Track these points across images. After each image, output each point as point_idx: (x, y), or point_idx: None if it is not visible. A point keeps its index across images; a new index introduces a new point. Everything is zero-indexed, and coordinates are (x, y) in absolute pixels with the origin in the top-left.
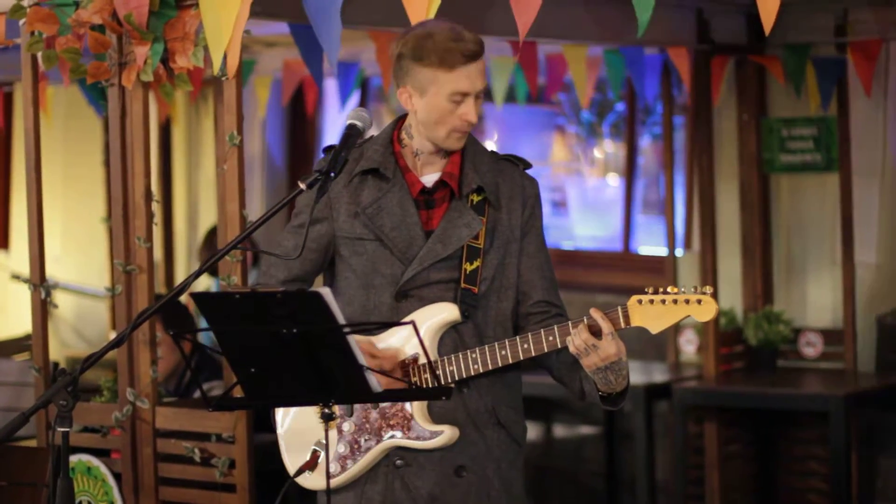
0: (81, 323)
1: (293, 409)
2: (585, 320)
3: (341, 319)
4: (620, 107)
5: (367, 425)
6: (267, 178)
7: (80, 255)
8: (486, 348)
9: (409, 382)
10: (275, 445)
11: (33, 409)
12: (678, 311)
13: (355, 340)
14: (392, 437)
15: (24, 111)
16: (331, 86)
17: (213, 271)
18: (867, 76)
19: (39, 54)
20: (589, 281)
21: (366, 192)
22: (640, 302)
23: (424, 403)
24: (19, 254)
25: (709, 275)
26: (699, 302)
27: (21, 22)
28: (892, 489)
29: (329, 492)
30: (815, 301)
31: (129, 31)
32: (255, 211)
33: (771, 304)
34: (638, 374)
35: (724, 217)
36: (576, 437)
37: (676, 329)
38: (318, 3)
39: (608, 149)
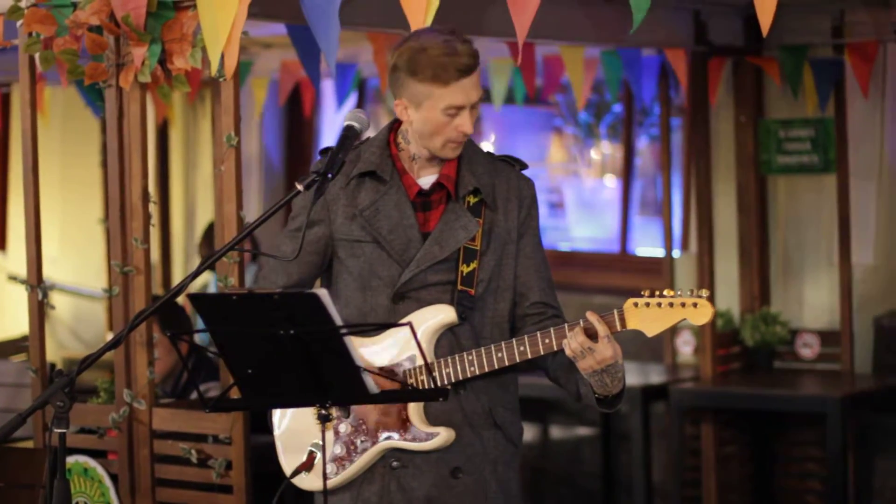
0: (78, 324)
1: (290, 411)
2: (581, 323)
3: (338, 321)
4: (618, 108)
5: (364, 426)
6: (264, 180)
7: (77, 256)
8: (483, 350)
9: (405, 384)
10: (272, 447)
11: (30, 410)
12: (674, 315)
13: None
14: (388, 438)
15: (21, 112)
16: (328, 87)
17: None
18: (864, 78)
19: (37, 55)
20: (586, 282)
21: (363, 194)
22: (636, 305)
23: (421, 405)
24: (16, 255)
25: (706, 276)
26: (695, 305)
27: (18, 23)
28: (889, 490)
29: (326, 492)
30: (812, 302)
31: (126, 32)
32: (252, 212)
33: (768, 306)
34: (634, 376)
35: (722, 218)
36: (572, 439)
37: (673, 330)
38: (315, 4)
39: (605, 150)
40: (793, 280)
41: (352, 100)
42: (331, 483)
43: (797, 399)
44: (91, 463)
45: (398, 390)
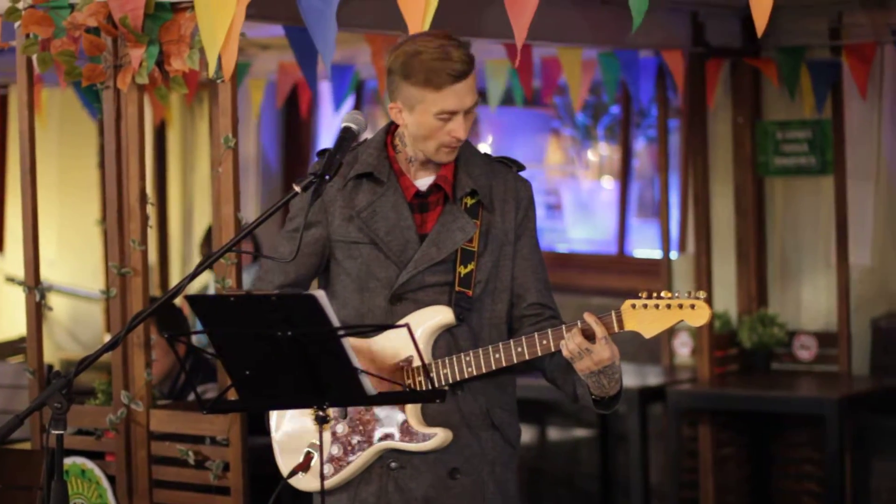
0: (76, 325)
1: (287, 412)
2: (579, 324)
3: (336, 322)
4: (615, 109)
5: (361, 427)
6: (262, 181)
7: (74, 257)
8: (480, 351)
9: (403, 385)
10: (269, 448)
11: (28, 411)
12: (672, 316)
13: (350, 343)
14: (386, 439)
15: (18, 114)
16: (326, 88)
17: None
18: (862, 79)
19: (34, 57)
20: (583, 284)
21: (360, 195)
22: (633, 306)
23: (418, 406)
24: (14, 256)
25: (703, 277)
26: (693, 307)
27: (16, 24)
28: (885, 492)
29: (323, 492)
30: (809, 304)
31: (124, 33)
32: (249, 213)
33: (765, 307)
34: (632, 377)
35: (719, 220)
36: (570, 440)
37: (671, 332)
38: (313, 6)
39: (603, 151)
40: (790, 282)
41: (349, 101)
42: (328, 483)
43: (794, 400)
44: (88, 464)
45: (395, 392)
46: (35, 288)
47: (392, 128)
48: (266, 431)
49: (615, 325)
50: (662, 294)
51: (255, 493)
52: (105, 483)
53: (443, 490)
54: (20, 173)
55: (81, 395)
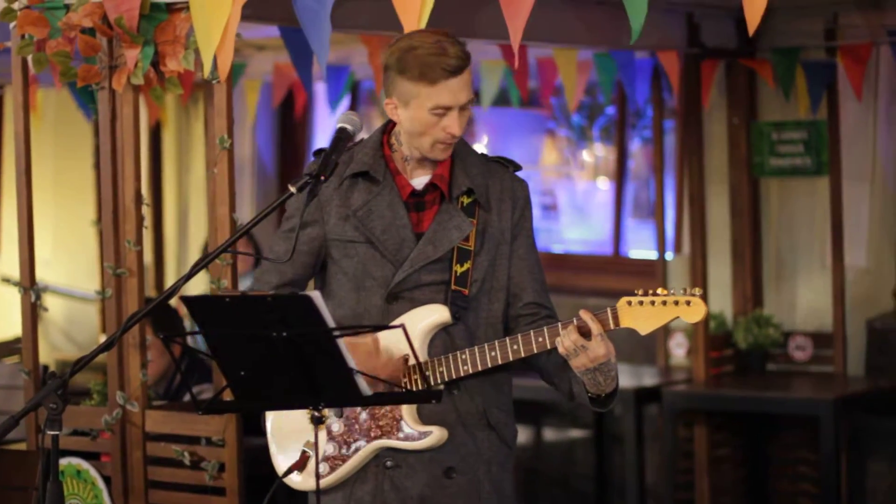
0: (71, 326)
1: (283, 412)
2: (575, 321)
3: (331, 323)
4: (611, 110)
5: (357, 426)
6: (257, 182)
7: (70, 258)
8: (476, 349)
9: (398, 385)
10: (265, 449)
11: (23, 412)
12: (667, 313)
13: (351, 342)
14: (381, 437)
15: (14, 114)
16: (321, 89)
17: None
18: (857, 80)
19: (30, 57)
20: (579, 284)
21: (356, 194)
22: (629, 303)
23: (414, 405)
24: (9, 257)
25: (699, 278)
26: (688, 303)
27: (11, 25)
28: (881, 492)
29: (318, 492)
30: (804, 304)
31: (119, 34)
32: (245, 214)
33: (761, 308)
34: (627, 378)
35: (714, 221)
36: (566, 441)
37: (666, 333)
38: (308, 6)
39: (598, 152)
40: (786, 282)
41: (345, 102)
42: (324, 483)
43: (790, 401)
44: (84, 465)
45: (391, 392)
46: (30, 288)
47: (389, 127)
48: (261, 432)
49: (611, 321)
50: (658, 291)
51: (251, 493)
52: (101, 484)
53: (438, 489)
54: (15, 174)
55: (77, 396)
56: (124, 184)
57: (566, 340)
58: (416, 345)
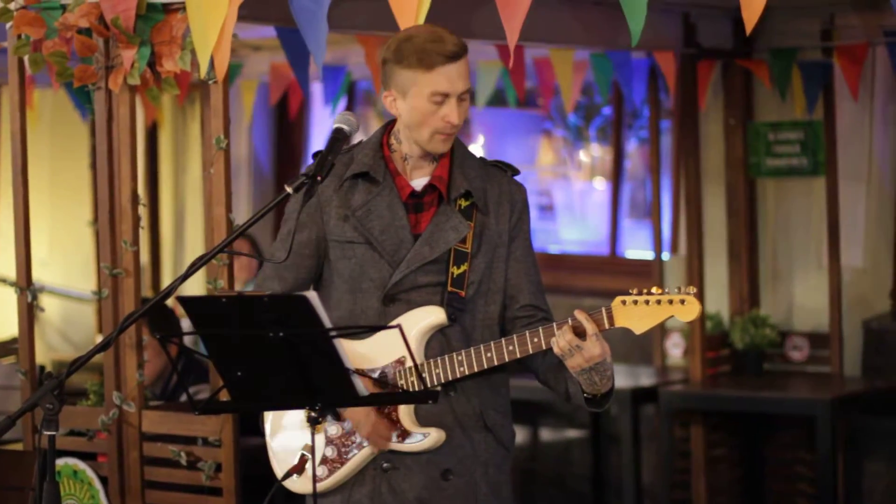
0: (68, 326)
1: (282, 414)
2: (570, 321)
3: (327, 323)
4: (607, 110)
5: (354, 429)
6: (254, 182)
7: (66, 258)
8: (472, 350)
9: (395, 386)
10: (261, 449)
11: (20, 412)
12: (662, 312)
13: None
14: None
15: (10, 114)
16: (318, 89)
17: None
18: (854, 80)
19: (26, 58)
20: (575, 285)
21: (356, 195)
22: (624, 303)
23: (411, 406)
24: (5, 257)
25: (695, 278)
26: (683, 302)
27: (8, 25)
28: (878, 493)
29: (315, 495)
30: (801, 305)
31: (115, 34)
32: (241, 215)
33: (757, 308)
34: (624, 378)
35: (711, 221)
36: (562, 441)
37: (663, 333)
38: (304, 7)
39: (595, 153)
40: (782, 283)
41: (341, 102)
42: (323, 485)
43: (787, 401)
44: (80, 465)
45: (387, 392)
46: (27, 289)
47: (388, 128)
48: (258, 432)
49: (606, 321)
50: (653, 290)
51: (247, 493)
52: (97, 484)
53: (436, 491)
54: (12, 174)
55: (73, 396)
56: (121, 184)
57: (561, 340)
58: (413, 346)
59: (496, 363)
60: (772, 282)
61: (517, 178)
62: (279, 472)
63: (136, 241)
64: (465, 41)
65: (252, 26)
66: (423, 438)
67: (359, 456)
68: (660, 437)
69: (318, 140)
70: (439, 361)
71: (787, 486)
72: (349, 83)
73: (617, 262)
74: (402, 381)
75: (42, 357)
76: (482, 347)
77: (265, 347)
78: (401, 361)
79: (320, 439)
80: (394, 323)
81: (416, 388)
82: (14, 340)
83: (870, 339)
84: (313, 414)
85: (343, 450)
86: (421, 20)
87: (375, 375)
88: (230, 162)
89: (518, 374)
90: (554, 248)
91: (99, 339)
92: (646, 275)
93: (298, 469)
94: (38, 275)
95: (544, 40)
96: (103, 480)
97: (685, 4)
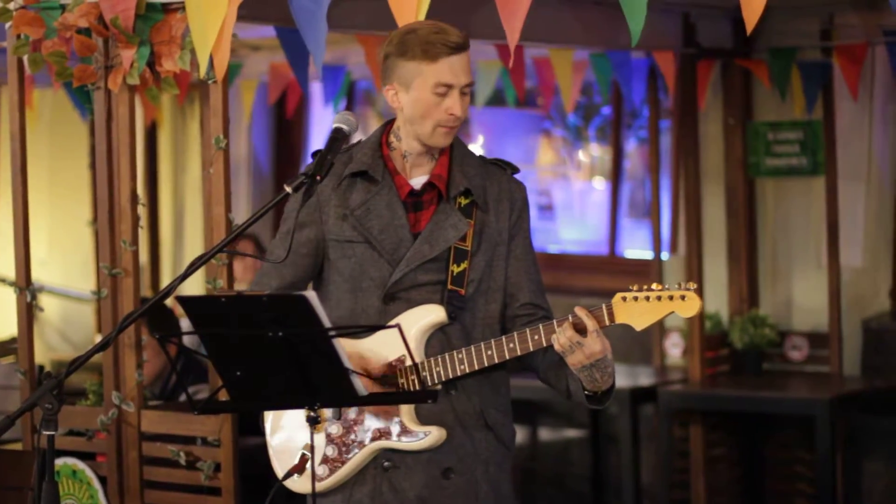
0: (67, 326)
1: (282, 414)
2: (570, 318)
3: (327, 323)
4: (606, 110)
5: (355, 427)
6: (253, 182)
7: (65, 258)
8: (472, 348)
9: (395, 385)
10: (260, 449)
11: (19, 412)
12: (662, 308)
13: (341, 344)
14: (380, 438)
15: (10, 114)
16: (318, 89)
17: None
18: (853, 80)
19: (25, 57)
20: (574, 284)
21: (355, 194)
22: (624, 299)
23: (412, 405)
24: (5, 257)
25: (694, 278)
26: (683, 298)
27: (7, 25)
28: (877, 492)
29: (314, 494)
30: (800, 304)
31: (115, 34)
32: (241, 214)
33: (757, 308)
34: (623, 378)
35: (710, 221)
36: (561, 441)
37: (662, 332)
38: (304, 6)
39: (594, 152)
40: (781, 282)
41: (341, 102)
42: (324, 485)
43: (786, 401)
44: (80, 465)
45: (387, 392)
46: (26, 288)
47: (388, 127)
48: (257, 432)
49: (606, 318)
50: (653, 286)
51: (246, 493)
52: (96, 484)
53: (436, 490)
54: (11, 174)
55: (72, 396)
56: (120, 184)
57: (562, 337)
58: (413, 345)
59: (497, 361)
60: (771, 281)
61: (517, 176)
62: (280, 471)
63: (135, 241)
64: None
65: (251, 26)
66: (424, 437)
67: (360, 455)
68: (659, 436)
69: (317, 140)
70: (440, 360)
71: (786, 485)
72: (349, 83)
73: (616, 261)
74: (403, 380)
75: (41, 357)
76: (482, 345)
77: (264, 347)
78: (401, 360)
79: (321, 438)
80: (393, 322)
81: (416, 388)
82: (13, 340)
83: (869, 338)
84: (312, 414)
85: (344, 449)
86: (420, 20)
87: (375, 375)
88: (229, 162)
89: (516, 373)
90: (553, 248)
91: (98, 338)
92: (645, 274)
93: (299, 468)
94: (38, 274)
95: (544, 40)
96: (102, 480)
97: (685, 4)
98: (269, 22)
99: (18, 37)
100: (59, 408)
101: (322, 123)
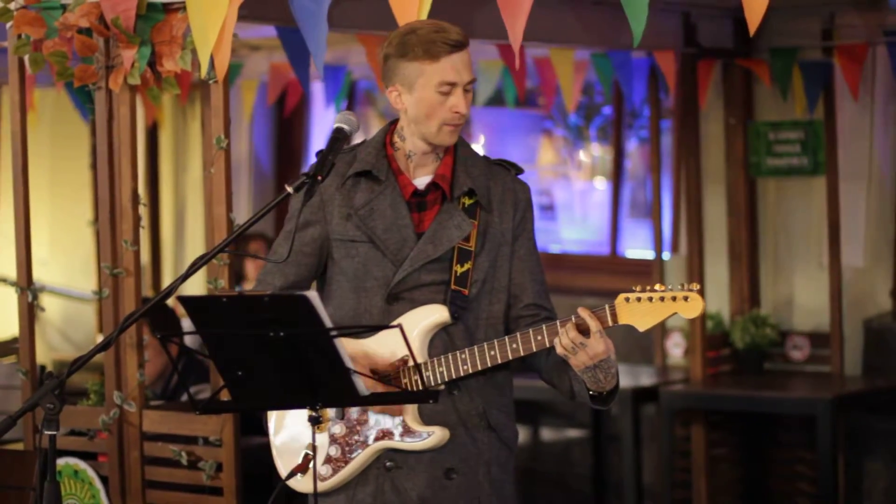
0: (68, 326)
1: (286, 413)
2: (573, 319)
3: (328, 323)
4: (607, 110)
5: (358, 427)
6: (254, 182)
7: (66, 258)
8: (476, 349)
9: (397, 385)
10: (262, 448)
11: (20, 412)
12: (665, 309)
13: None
14: (383, 438)
15: (11, 114)
16: (318, 89)
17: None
18: (854, 80)
19: (26, 57)
20: (576, 284)
21: (359, 194)
22: (627, 300)
23: (415, 405)
24: (6, 257)
25: (695, 278)
26: (686, 299)
27: (8, 25)
28: (878, 492)
29: (316, 494)
30: (802, 304)
31: (116, 34)
32: (242, 214)
33: (758, 308)
34: (625, 378)
35: (711, 220)
36: (563, 441)
37: (663, 332)
38: (305, 6)
39: (595, 152)
40: (783, 282)
41: (342, 102)
42: (327, 484)
43: (787, 401)
44: (81, 465)
45: (389, 392)
46: (27, 288)
47: (391, 127)
48: (259, 432)
49: (609, 318)
50: (656, 287)
51: (248, 493)
52: (98, 483)
53: (439, 490)
54: (12, 174)
55: (74, 396)
56: (121, 184)
57: (564, 338)
58: (416, 345)
59: (500, 361)
60: (772, 281)
61: (521, 176)
62: (283, 471)
63: (136, 241)
64: None
65: (252, 26)
66: (427, 437)
67: (363, 455)
68: (660, 436)
69: (318, 140)
70: (443, 360)
71: (787, 485)
72: (349, 83)
73: (617, 261)
74: (406, 380)
75: (43, 357)
76: (486, 346)
77: (266, 347)
78: (404, 360)
79: (325, 438)
80: (396, 322)
81: (419, 388)
82: (15, 340)
83: (870, 338)
84: (314, 414)
85: (347, 449)
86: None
87: (378, 375)
88: (230, 161)
89: (519, 373)
90: (554, 248)
91: (99, 338)
92: (646, 274)
93: (302, 468)
94: (39, 274)
95: (545, 40)
96: (104, 480)
97: (686, 4)
98: (269, 22)
99: (19, 37)
100: (60, 408)
101: (323, 123)
